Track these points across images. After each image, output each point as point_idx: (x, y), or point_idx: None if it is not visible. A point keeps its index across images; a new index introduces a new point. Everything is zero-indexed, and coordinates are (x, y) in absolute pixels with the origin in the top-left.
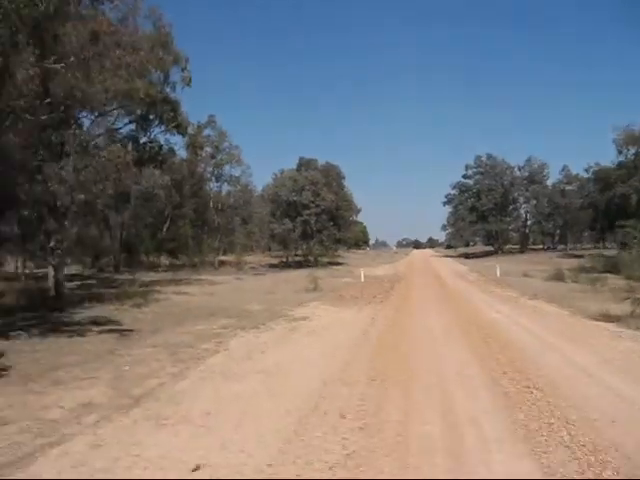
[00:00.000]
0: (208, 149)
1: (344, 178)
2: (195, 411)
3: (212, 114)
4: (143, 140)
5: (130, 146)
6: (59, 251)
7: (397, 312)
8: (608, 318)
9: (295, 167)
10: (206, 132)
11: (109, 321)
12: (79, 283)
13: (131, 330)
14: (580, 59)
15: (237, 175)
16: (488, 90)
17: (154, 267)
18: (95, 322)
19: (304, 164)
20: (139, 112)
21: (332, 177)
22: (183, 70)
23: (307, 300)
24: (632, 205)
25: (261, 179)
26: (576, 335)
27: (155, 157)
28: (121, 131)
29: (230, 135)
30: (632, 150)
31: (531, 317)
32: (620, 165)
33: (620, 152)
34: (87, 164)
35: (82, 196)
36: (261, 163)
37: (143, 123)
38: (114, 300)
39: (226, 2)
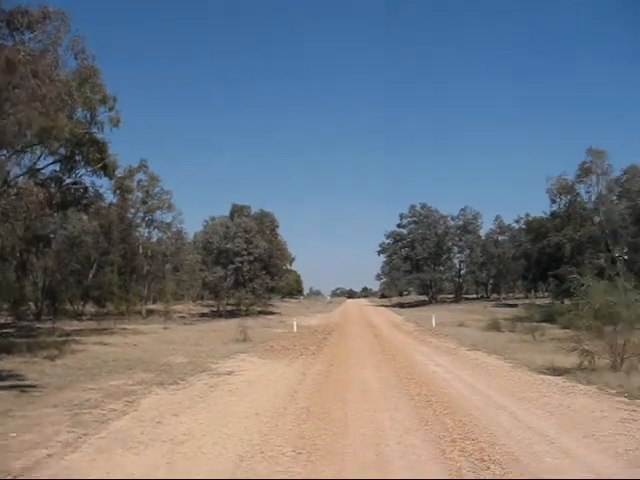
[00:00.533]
0: (139, 194)
1: (278, 226)
2: None
3: (144, 158)
4: (67, 182)
5: (52, 187)
6: None
7: (330, 366)
8: (555, 371)
9: (228, 214)
10: (138, 176)
11: (12, 375)
12: None
13: (34, 386)
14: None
15: (168, 221)
16: (420, 140)
17: (78, 315)
18: None
19: (237, 211)
20: (63, 152)
21: (266, 225)
22: (111, 110)
23: (234, 352)
24: (566, 254)
25: (193, 226)
26: (525, 392)
27: (79, 200)
28: (44, 171)
29: (162, 180)
30: (565, 200)
31: (473, 371)
32: (553, 215)
33: (554, 201)
34: None
35: None
36: (193, 210)
37: (68, 164)
38: (25, 351)
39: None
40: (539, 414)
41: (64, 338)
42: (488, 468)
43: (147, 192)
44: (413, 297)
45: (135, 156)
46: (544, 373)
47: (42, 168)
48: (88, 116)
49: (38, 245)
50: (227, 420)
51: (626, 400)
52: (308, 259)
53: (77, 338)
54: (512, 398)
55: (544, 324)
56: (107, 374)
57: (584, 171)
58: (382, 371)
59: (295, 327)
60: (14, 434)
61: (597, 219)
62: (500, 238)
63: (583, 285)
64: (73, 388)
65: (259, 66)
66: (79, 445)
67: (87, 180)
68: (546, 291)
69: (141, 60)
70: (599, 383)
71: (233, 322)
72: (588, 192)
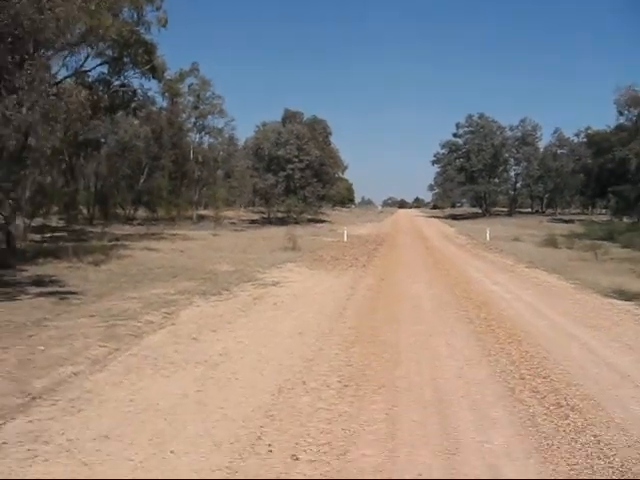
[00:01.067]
0: (190, 98)
1: (331, 134)
2: (89, 431)
3: (195, 62)
4: (115, 84)
5: (100, 90)
6: (10, 201)
7: (380, 280)
8: (623, 295)
9: (280, 120)
10: (189, 80)
11: (53, 281)
12: (48, 235)
13: (75, 293)
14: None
15: (220, 127)
16: (484, 53)
17: (130, 220)
18: (37, 282)
19: (289, 117)
20: (110, 53)
21: (318, 132)
22: (158, 9)
23: (282, 261)
24: (631, 169)
25: (245, 131)
26: (595, 318)
27: (128, 103)
28: (92, 74)
29: (214, 84)
30: (635, 112)
31: (535, 291)
32: (620, 128)
33: (621, 114)
34: (33, 102)
35: (32, 139)
36: (245, 115)
37: (116, 65)
38: (72, 256)
39: None
40: (615, 348)
41: (113, 243)
42: (567, 417)
43: (198, 96)
44: (466, 209)
45: (187, 61)
46: (611, 297)
47: (89, 70)
48: (135, 16)
49: (87, 149)
50: (268, 339)
51: None
52: (361, 168)
53: (125, 243)
54: (582, 325)
55: (603, 242)
56: (150, 281)
57: None
58: (435, 287)
59: (345, 236)
60: (42, 347)
61: None
62: (559, 152)
63: None
64: (113, 296)
65: None
66: (107, 363)
67: (135, 83)
68: (604, 208)
69: None
70: None
71: (283, 230)
72: None
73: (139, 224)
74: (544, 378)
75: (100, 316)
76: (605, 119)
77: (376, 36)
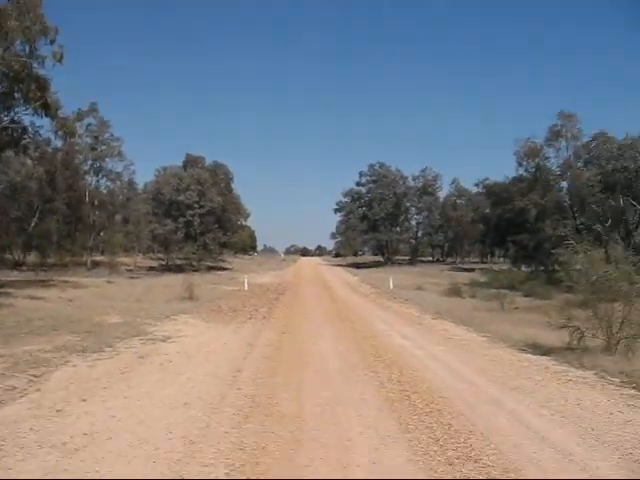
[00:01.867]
0: (87, 139)
1: (232, 179)
2: None
3: (94, 101)
4: (5, 121)
5: None
6: None
7: (281, 334)
8: (538, 349)
9: (181, 164)
10: (87, 121)
11: None
12: None
13: None
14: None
15: (118, 170)
16: (378, 99)
17: (19, 265)
18: None
19: (190, 161)
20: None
21: (220, 177)
22: (52, 42)
23: (177, 312)
24: (530, 219)
25: (144, 176)
26: (515, 378)
27: (17, 141)
28: None
29: (112, 126)
30: (532, 163)
31: (446, 346)
32: (519, 179)
33: (520, 164)
34: None
35: None
36: (145, 160)
37: (5, 101)
38: None
39: None
40: (547, 417)
41: None
42: None
43: (96, 138)
44: (368, 257)
45: (85, 101)
46: (526, 351)
47: None
48: (27, 49)
49: None
50: (147, 412)
51: (639, 394)
52: (263, 215)
53: (9, 290)
54: (504, 388)
55: (505, 291)
56: (25, 335)
57: (554, 134)
58: (341, 343)
59: (246, 285)
60: None
61: (564, 185)
62: (458, 201)
63: (576, 252)
64: None
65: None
66: None
67: (27, 120)
68: (502, 257)
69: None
70: (595, 368)
71: (181, 277)
72: (556, 157)
73: (29, 270)
74: (475, 462)
75: None
76: (504, 169)
77: (278, 83)
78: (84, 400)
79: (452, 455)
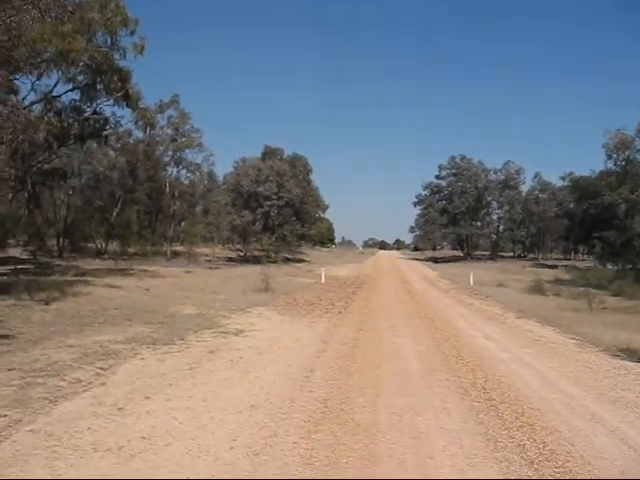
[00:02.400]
0: (168, 131)
1: (311, 171)
2: None
3: (176, 93)
4: (88, 112)
5: (70, 117)
6: None
7: (358, 331)
8: (635, 356)
9: (259, 156)
10: (168, 112)
11: None
12: (11, 268)
13: (5, 337)
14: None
15: (198, 161)
16: (465, 94)
17: (101, 254)
18: None
19: (269, 153)
20: (82, 79)
21: (298, 169)
22: (132, 34)
23: (252, 304)
24: (620, 215)
25: (223, 167)
26: (614, 389)
27: (99, 132)
28: (63, 100)
29: (193, 118)
30: (624, 155)
31: (533, 349)
32: (606, 172)
33: (610, 157)
34: None
35: None
36: (225, 150)
37: (88, 92)
38: (23, 292)
39: None
40: None
41: (76, 278)
42: None
43: (177, 129)
44: (447, 252)
45: (166, 93)
46: (621, 357)
47: (59, 96)
48: (109, 40)
49: (53, 179)
50: (210, 415)
51: None
52: (341, 208)
53: (89, 278)
54: (601, 400)
55: (591, 289)
56: (99, 325)
57: None
58: (421, 342)
59: (323, 278)
60: None
61: None
62: (541, 196)
63: None
64: (49, 343)
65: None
66: None
67: (109, 111)
68: (587, 253)
69: None
70: None
71: (258, 269)
72: None
73: (110, 258)
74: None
75: (21, 370)
76: (588, 164)
77: (355, 77)
78: (147, 398)
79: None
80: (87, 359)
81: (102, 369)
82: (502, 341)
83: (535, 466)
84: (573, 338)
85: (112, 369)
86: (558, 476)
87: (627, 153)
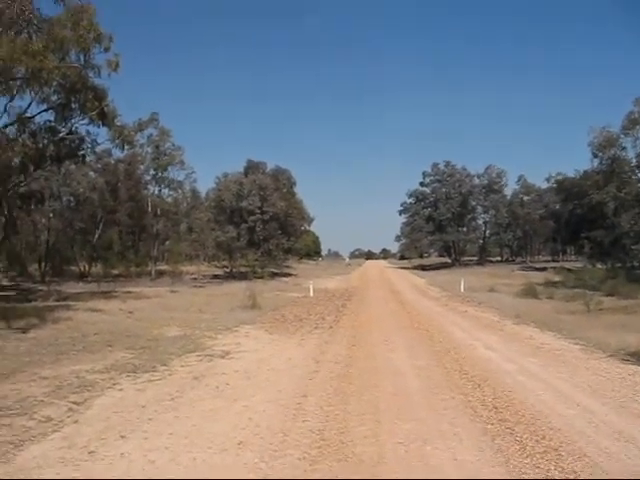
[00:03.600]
0: (148, 149)
1: (295, 184)
2: None
3: (155, 111)
4: (63, 133)
5: (45, 138)
6: None
7: (351, 347)
8: None
9: (242, 171)
10: (148, 131)
11: None
12: None
13: None
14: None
15: (180, 179)
16: (444, 97)
17: (84, 277)
18: None
19: (252, 167)
20: (56, 99)
21: (282, 182)
22: (107, 50)
23: (239, 322)
24: (609, 213)
25: (205, 183)
26: (632, 399)
27: (75, 152)
28: (37, 120)
29: (173, 135)
30: (610, 153)
31: (538, 359)
32: (590, 172)
33: (595, 156)
34: None
35: None
36: (206, 166)
37: (62, 112)
38: (0, 320)
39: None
40: None
41: (57, 303)
42: None
43: (157, 147)
44: (434, 259)
45: (145, 111)
46: (631, 362)
47: (33, 117)
48: (82, 58)
49: (30, 202)
50: (192, 457)
51: None
52: (326, 220)
53: (71, 303)
54: (625, 414)
55: (584, 291)
56: (77, 353)
57: (631, 122)
58: (418, 356)
59: (311, 291)
60: None
61: None
62: (525, 198)
63: None
64: (22, 375)
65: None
66: None
67: (85, 130)
68: (575, 254)
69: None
70: None
71: (245, 285)
72: (634, 146)
73: (94, 281)
74: None
75: None
76: (573, 165)
77: (327, 88)
78: (123, 437)
79: None
80: (61, 392)
81: (76, 403)
82: (504, 350)
83: None
84: (577, 343)
85: (87, 403)
86: None
87: (613, 151)
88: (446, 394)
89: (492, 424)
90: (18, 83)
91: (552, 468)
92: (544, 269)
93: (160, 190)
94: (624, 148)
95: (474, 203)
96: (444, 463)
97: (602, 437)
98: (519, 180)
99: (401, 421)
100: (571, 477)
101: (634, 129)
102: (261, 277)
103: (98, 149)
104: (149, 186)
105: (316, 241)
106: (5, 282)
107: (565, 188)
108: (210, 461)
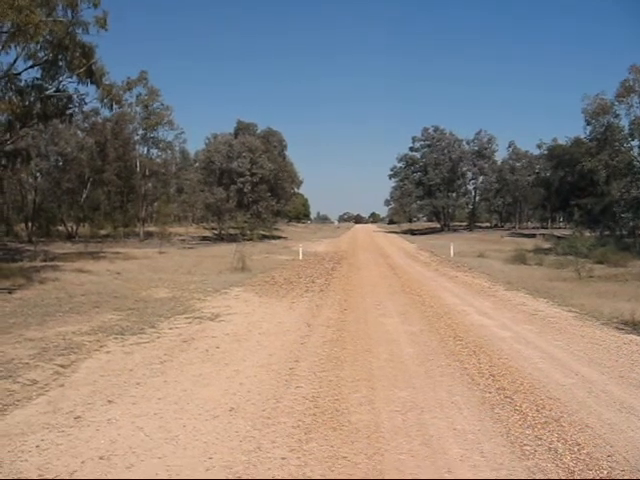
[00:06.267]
0: (137, 109)
1: (286, 146)
2: None
3: (144, 70)
4: (50, 91)
5: (32, 96)
6: None
7: (343, 311)
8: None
9: (232, 132)
10: (137, 90)
11: None
12: None
13: None
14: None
15: (169, 140)
16: (438, 64)
17: (72, 238)
18: None
19: (242, 128)
20: (43, 55)
21: (273, 144)
22: (96, 6)
23: (229, 285)
24: (600, 181)
25: (195, 144)
26: (630, 368)
27: (63, 110)
28: (25, 78)
29: (162, 95)
30: (604, 121)
31: (533, 325)
32: (582, 140)
33: (589, 123)
34: None
35: None
36: (196, 127)
37: (50, 69)
38: None
39: None
40: None
41: (44, 263)
42: None
43: (146, 107)
44: (423, 224)
45: (134, 71)
46: (626, 330)
47: (19, 73)
48: (70, 14)
49: (15, 161)
50: (182, 424)
51: None
52: (316, 183)
53: (58, 264)
54: (625, 384)
55: (574, 258)
56: (64, 314)
57: (625, 89)
58: (411, 321)
59: (301, 254)
60: None
61: (635, 144)
62: (516, 165)
63: None
64: (6, 337)
65: None
66: None
67: (72, 88)
68: (564, 221)
69: None
70: None
71: (234, 247)
72: (628, 114)
73: (81, 242)
74: None
75: None
76: (564, 132)
77: (330, 49)
78: (110, 402)
79: None
80: (46, 355)
81: (62, 366)
82: (498, 317)
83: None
84: (570, 311)
85: (73, 366)
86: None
87: (606, 119)
88: (442, 361)
89: (490, 392)
90: (4, 38)
91: (554, 439)
92: (533, 236)
93: (149, 150)
94: (617, 115)
95: (464, 169)
96: (442, 433)
97: (603, 408)
98: (509, 146)
99: (397, 388)
100: (575, 447)
101: (628, 96)
102: (250, 239)
103: (86, 108)
104: (138, 146)
105: (305, 204)
106: None
107: (556, 155)
108: (201, 428)
